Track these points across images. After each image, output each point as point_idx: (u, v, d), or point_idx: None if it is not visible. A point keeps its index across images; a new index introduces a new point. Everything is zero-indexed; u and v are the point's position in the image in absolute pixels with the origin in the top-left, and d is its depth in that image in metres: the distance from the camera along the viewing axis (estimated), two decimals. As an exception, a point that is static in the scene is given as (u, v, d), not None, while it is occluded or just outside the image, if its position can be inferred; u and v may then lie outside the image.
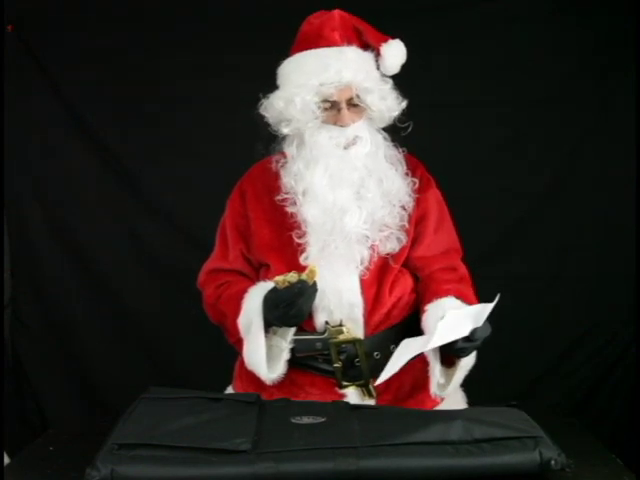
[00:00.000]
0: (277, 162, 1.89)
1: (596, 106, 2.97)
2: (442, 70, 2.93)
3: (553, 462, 1.43)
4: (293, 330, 1.79)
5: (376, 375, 1.80)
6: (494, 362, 3.00)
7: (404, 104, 1.86)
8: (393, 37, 1.85)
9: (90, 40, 2.93)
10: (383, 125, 1.88)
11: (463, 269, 1.93)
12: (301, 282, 1.66)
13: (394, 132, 1.90)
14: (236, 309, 1.80)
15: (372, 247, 1.82)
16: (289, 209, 1.83)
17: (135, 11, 2.93)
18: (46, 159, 3.01)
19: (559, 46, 2.95)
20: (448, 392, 1.78)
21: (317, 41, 1.82)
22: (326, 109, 1.80)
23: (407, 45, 1.88)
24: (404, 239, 1.85)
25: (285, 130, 1.83)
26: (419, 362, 1.87)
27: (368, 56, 1.83)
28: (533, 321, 3.02)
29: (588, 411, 3.00)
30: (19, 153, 2.96)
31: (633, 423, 2.85)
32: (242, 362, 1.98)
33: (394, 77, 1.88)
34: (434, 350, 1.70)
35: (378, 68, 1.84)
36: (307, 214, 1.79)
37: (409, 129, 1.85)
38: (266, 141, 1.88)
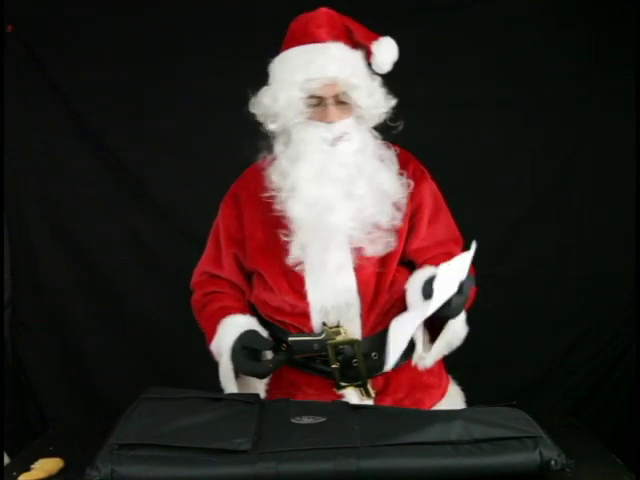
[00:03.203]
0: (268, 162, 1.89)
1: (596, 106, 2.97)
2: (442, 70, 2.93)
3: (553, 462, 1.42)
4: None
5: (373, 375, 1.82)
6: (494, 362, 3.00)
7: (393, 102, 1.85)
8: (383, 35, 1.84)
9: (90, 40, 2.93)
10: (373, 124, 1.87)
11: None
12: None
13: (389, 132, 1.89)
14: (212, 331, 1.85)
15: (357, 249, 1.80)
16: (277, 207, 1.82)
17: (135, 11, 2.93)
18: (46, 159, 3.00)
19: (559, 46, 2.95)
20: (431, 358, 1.77)
21: (303, 38, 1.82)
22: (313, 105, 1.79)
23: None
24: (394, 243, 1.82)
25: (272, 127, 1.83)
26: None
27: (356, 54, 1.82)
28: (533, 321, 3.02)
29: (588, 411, 3.00)
30: (19, 153, 2.95)
31: (633, 423, 2.85)
32: None
33: (393, 78, 1.88)
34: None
35: (370, 67, 1.83)
36: (292, 210, 1.79)
37: (399, 128, 1.85)
38: (257, 140, 1.89)
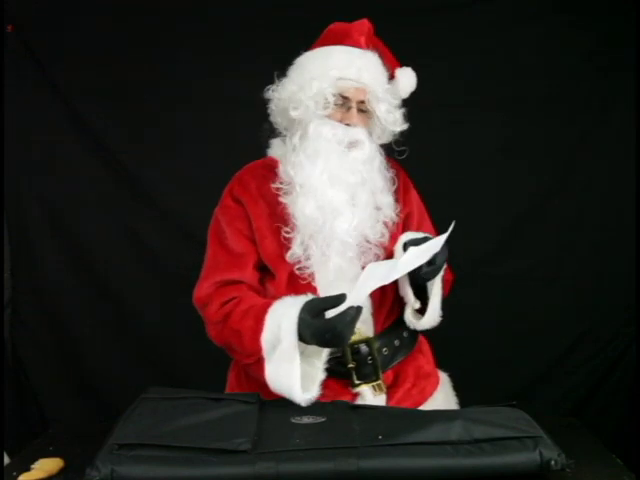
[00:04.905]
0: (274, 158, 1.90)
1: (596, 106, 2.97)
2: (442, 70, 2.93)
3: (553, 462, 1.43)
4: (327, 350, 1.72)
5: (385, 371, 1.86)
6: (494, 362, 3.00)
7: (405, 126, 1.91)
8: (406, 65, 1.93)
9: (90, 40, 2.93)
10: (382, 142, 1.92)
11: None
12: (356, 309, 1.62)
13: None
14: (256, 325, 1.71)
15: (351, 259, 1.82)
16: (282, 199, 1.83)
17: (135, 11, 2.93)
18: (46, 159, 3.00)
19: (559, 46, 2.95)
20: (425, 321, 1.84)
21: (343, 39, 1.88)
22: (336, 105, 1.83)
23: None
24: (382, 256, 1.86)
25: (293, 114, 1.85)
26: (418, 352, 1.96)
27: (384, 70, 1.89)
28: (533, 321, 3.03)
29: (588, 411, 3.00)
30: (19, 153, 2.95)
31: (633, 423, 2.85)
32: (238, 372, 1.97)
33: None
34: (405, 283, 1.82)
35: None
36: (301, 207, 1.79)
37: (405, 154, 1.91)
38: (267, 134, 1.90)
